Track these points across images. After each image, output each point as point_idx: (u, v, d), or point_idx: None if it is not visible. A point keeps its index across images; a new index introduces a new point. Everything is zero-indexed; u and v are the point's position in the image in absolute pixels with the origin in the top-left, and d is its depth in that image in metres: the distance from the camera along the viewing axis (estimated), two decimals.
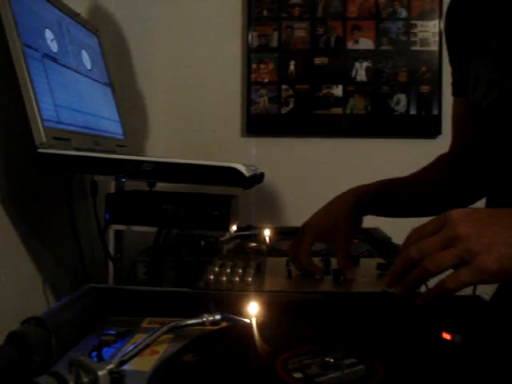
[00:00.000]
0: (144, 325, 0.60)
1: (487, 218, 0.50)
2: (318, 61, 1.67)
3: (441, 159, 0.93)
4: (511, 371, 0.44)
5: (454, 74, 0.88)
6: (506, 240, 0.47)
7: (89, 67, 0.92)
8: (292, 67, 1.67)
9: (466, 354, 0.49)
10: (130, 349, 0.46)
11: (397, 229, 1.19)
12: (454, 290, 0.48)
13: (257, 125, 1.68)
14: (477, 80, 0.74)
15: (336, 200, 0.81)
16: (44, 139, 0.67)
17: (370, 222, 1.29)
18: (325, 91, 1.66)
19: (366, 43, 1.66)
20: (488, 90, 0.70)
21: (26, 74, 0.66)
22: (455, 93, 0.88)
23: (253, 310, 0.55)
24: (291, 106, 1.67)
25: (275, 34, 1.67)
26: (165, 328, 0.52)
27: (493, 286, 0.84)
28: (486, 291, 0.73)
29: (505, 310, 0.56)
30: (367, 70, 1.66)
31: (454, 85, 0.88)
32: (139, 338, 0.51)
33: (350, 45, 1.66)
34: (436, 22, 1.64)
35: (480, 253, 0.47)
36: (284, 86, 1.67)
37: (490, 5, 0.74)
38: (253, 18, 1.67)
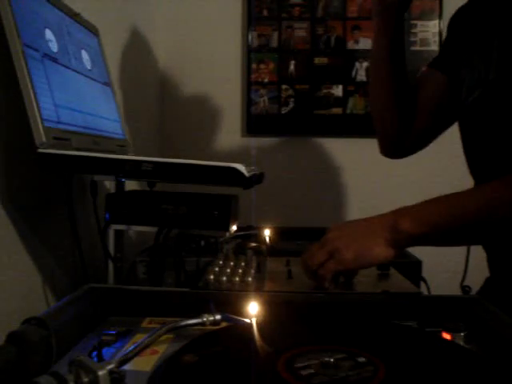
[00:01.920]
0: (144, 325, 0.60)
1: (351, 225, 0.71)
2: (318, 61, 1.67)
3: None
4: (510, 370, 0.44)
5: (443, 51, 0.94)
6: (358, 240, 0.67)
7: (89, 67, 0.92)
8: (292, 67, 1.67)
9: (467, 354, 0.49)
10: (130, 349, 0.46)
11: None
12: (326, 275, 0.67)
13: (257, 125, 1.68)
14: (463, 83, 0.82)
15: None
16: (44, 139, 0.67)
17: None
18: (325, 91, 1.66)
19: (366, 43, 1.66)
20: (468, 92, 0.80)
21: (26, 74, 0.66)
22: (434, 64, 0.93)
23: (253, 310, 0.55)
24: (291, 105, 1.67)
25: (275, 34, 1.67)
26: (165, 328, 0.52)
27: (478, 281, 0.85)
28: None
29: (491, 301, 0.58)
30: (367, 69, 1.66)
31: (437, 58, 0.94)
32: (139, 338, 0.51)
33: (350, 45, 1.66)
34: (436, 22, 1.64)
35: (341, 249, 0.66)
36: (284, 86, 1.67)
37: (483, 17, 0.81)
38: (253, 17, 1.67)
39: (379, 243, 0.65)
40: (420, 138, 0.95)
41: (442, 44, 0.95)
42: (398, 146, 0.97)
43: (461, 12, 0.90)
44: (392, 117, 0.93)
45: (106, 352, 0.50)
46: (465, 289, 0.70)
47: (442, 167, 1.64)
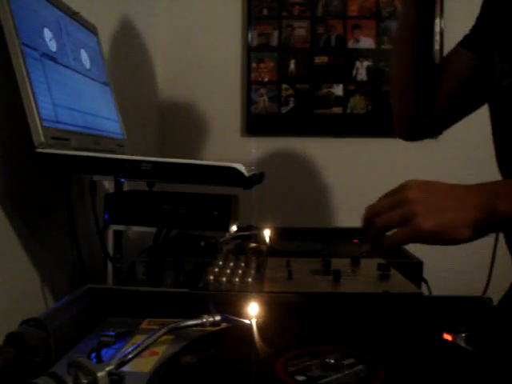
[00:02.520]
0: (143, 326, 0.59)
1: (436, 188, 0.57)
2: (318, 60, 1.66)
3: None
4: (510, 370, 0.44)
5: (474, 29, 0.87)
6: (444, 207, 0.54)
7: (88, 66, 0.92)
8: (292, 66, 1.67)
9: (468, 355, 0.49)
10: (130, 350, 0.46)
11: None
12: (393, 244, 0.56)
13: (257, 124, 1.68)
14: (495, 64, 0.77)
15: None
16: (43, 139, 0.66)
17: None
18: (325, 90, 1.66)
19: (366, 42, 1.65)
20: (502, 75, 0.74)
21: (25, 73, 0.66)
22: (464, 42, 0.87)
23: (253, 310, 0.55)
24: (291, 105, 1.67)
25: (275, 33, 1.66)
26: (164, 329, 0.51)
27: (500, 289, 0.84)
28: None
29: None
30: (368, 69, 1.65)
31: (468, 36, 0.88)
32: (139, 339, 0.50)
33: (351, 44, 1.66)
34: (436, 21, 1.64)
35: (418, 214, 0.53)
36: (284, 86, 1.67)
37: None
38: (253, 16, 1.66)
39: (467, 222, 0.54)
40: (441, 121, 0.90)
41: (475, 21, 0.88)
42: (416, 127, 0.92)
43: None
44: (413, 96, 0.87)
45: (105, 353, 0.50)
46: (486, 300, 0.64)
47: (443, 167, 1.64)
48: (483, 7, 0.87)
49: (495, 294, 0.79)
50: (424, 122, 0.90)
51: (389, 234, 0.57)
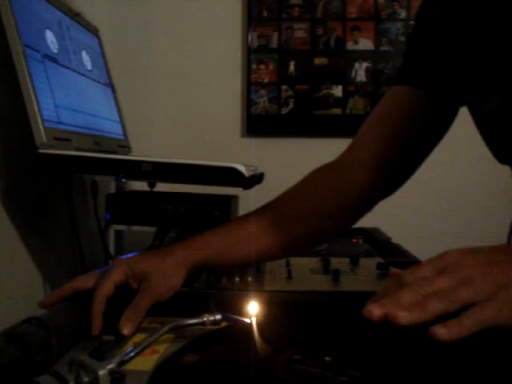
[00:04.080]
0: (144, 324, 0.60)
1: (495, 259, 0.43)
2: (317, 61, 1.67)
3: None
4: (510, 372, 0.44)
5: (418, 57, 0.70)
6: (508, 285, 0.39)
7: (89, 68, 0.92)
8: (292, 68, 1.67)
9: (467, 354, 0.49)
10: (131, 348, 0.46)
11: (397, 229, 1.19)
12: (461, 332, 0.40)
13: (257, 125, 1.68)
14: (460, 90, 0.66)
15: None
16: (44, 139, 0.67)
17: (370, 221, 1.29)
18: (324, 91, 1.67)
19: (365, 44, 1.66)
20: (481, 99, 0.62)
21: (27, 74, 0.66)
22: (405, 79, 0.71)
23: (253, 309, 0.55)
24: (291, 106, 1.67)
25: (275, 35, 1.67)
26: (165, 328, 0.52)
27: None
28: None
29: None
30: (367, 70, 1.66)
31: (409, 70, 0.71)
32: (139, 338, 0.51)
33: (350, 45, 1.66)
34: None
35: (481, 299, 0.39)
36: (284, 87, 1.67)
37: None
38: (253, 18, 1.67)
39: None
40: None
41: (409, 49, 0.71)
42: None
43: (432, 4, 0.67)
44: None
45: (106, 352, 0.50)
46: None
47: (441, 166, 1.64)
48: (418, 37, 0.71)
49: None
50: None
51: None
